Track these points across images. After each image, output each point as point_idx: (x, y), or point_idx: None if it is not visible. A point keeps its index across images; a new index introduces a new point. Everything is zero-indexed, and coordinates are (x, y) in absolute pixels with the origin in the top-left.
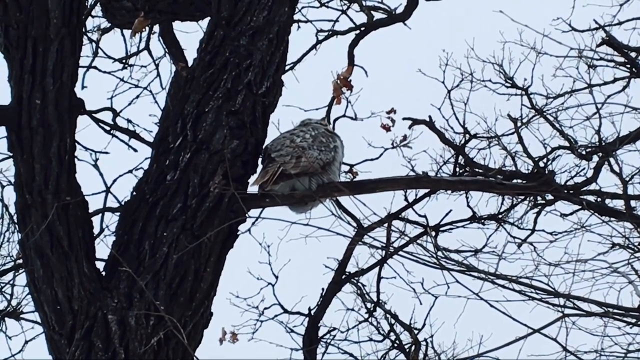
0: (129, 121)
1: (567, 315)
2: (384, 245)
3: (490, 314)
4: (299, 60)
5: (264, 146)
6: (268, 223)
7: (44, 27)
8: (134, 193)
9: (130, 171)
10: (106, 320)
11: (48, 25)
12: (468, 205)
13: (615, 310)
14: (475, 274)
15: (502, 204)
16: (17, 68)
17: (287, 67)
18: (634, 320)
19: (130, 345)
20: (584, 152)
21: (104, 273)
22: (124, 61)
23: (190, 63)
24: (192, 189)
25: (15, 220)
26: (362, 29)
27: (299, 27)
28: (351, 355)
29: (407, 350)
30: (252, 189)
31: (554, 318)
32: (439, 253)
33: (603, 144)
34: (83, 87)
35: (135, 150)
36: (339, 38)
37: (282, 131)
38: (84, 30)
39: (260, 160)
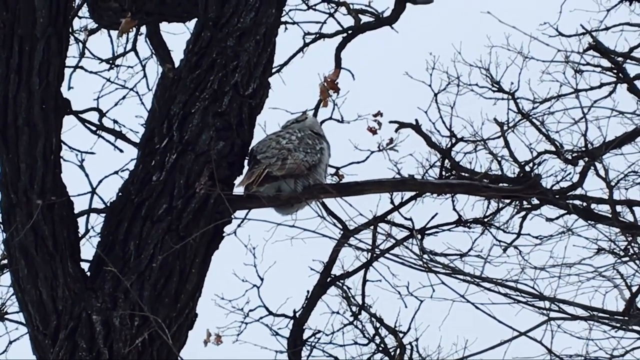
0: (115, 122)
1: (553, 319)
2: (370, 247)
3: (476, 318)
4: (286, 63)
5: (250, 148)
6: (254, 225)
7: (31, 26)
8: (120, 194)
9: (116, 172)
10: (90, 321)
11: (35, 24)
12: (454, 209)
13: (601, 314)
14: (461, 276)
15: (487, 208)
16: (3, 67)
17: (274, 70)
18: (618, 324)
19: (115, 345)
20: (570, 157)
21: (88, 274)
22: (110, 62)
23: (177, 64)
24: (178, 190)
25: (0, 220)
26: (350, 32)
27: (286, 28)
28: (336, 358)
29: (392, 353)
30: (238, 190)
31: (539, 321)
32: (425, 256)
33: (589, 148)
34: (70, 87)
35: (121, 150)
36: (326, 41)
37: (268, 133)
38: (70, 30)
39: (246, 161)
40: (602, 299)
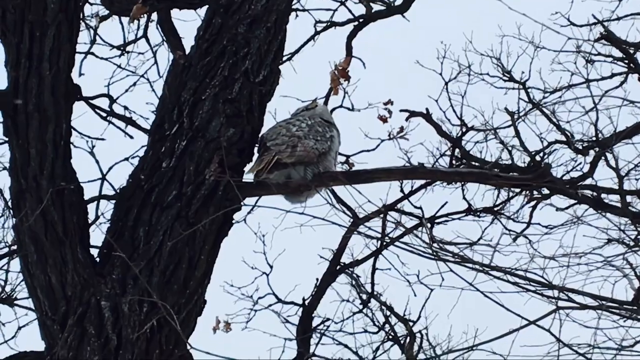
0: (125, 108)
1: (562, 308)
2: (380, 236)
3: (485, 306)
4: (297, 51)
5: (260, 135)
6: (263, 212)
7: (41, 12)
8: (130, 180)
9: (127, 159)
10: (99, 307)
11: (45, 10)
12: (464, 198)
13: (610, 304)
14: (470, 265)
15: (497, 197)
16: (13, 53)
17: (284, 58)
18: (628, 314)
19: (123, 331)
20: (580, 147)
21: (98, 260)
22: (121, 48)
23: (187, 51)
24: (188, 177)
25: (10, 206)
26: (361, 20)
27: (297, 15)
28: (345, 346)
29: (402, 342)
30: (248, 177)
31: (548, 310)
32: (435, 244)
33: (600, 138)
34: (80, 74)
35: (131, 137)
36: (337, 29)
37: (278, 120)
38: (81, 16)
39: (256, 149)
40: (611, 289)
